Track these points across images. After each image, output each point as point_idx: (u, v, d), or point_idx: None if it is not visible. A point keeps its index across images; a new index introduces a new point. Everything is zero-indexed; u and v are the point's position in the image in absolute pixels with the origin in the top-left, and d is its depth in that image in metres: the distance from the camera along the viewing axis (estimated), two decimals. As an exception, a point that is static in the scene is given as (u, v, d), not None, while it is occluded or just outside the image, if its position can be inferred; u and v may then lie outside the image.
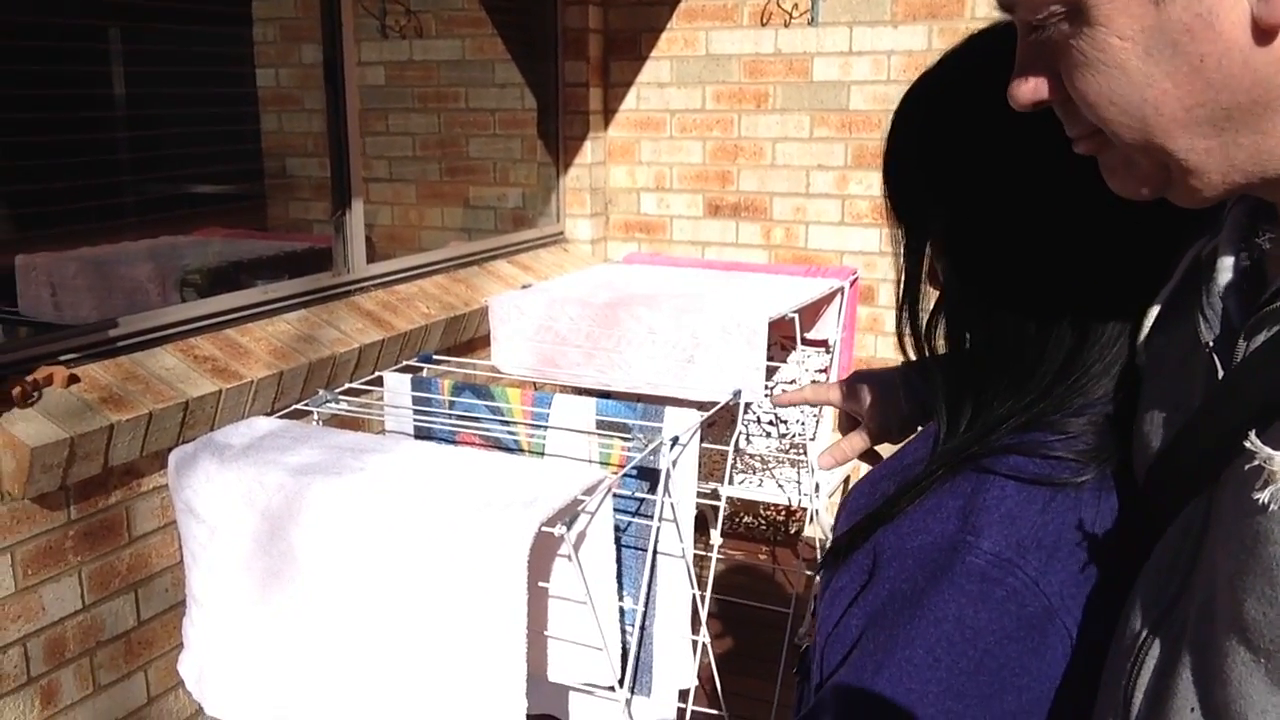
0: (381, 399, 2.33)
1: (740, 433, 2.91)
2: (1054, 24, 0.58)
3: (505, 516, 1.55)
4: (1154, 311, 0.75)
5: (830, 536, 0.92)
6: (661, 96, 3.80)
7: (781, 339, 2.86)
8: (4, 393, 1.95)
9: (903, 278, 0.84)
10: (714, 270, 3.07)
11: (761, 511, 3.77)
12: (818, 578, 0.87)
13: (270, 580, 1.73)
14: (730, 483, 2.94)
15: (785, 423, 2.79)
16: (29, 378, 2.02)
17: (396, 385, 2.29)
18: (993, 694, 0.68)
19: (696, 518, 3.08)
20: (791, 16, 3.56)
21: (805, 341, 2.71)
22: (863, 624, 0.74)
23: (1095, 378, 0.76)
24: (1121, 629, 0.69)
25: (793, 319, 2.45)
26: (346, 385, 2.41)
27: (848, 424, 1.10)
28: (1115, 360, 0.76)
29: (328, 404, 2.22)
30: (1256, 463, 0.57)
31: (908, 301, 0.84)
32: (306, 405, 2.21)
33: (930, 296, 0.84)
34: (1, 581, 1.92)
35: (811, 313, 2.75)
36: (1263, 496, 0.57)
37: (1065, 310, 0.76)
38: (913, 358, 0.85)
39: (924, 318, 0.85)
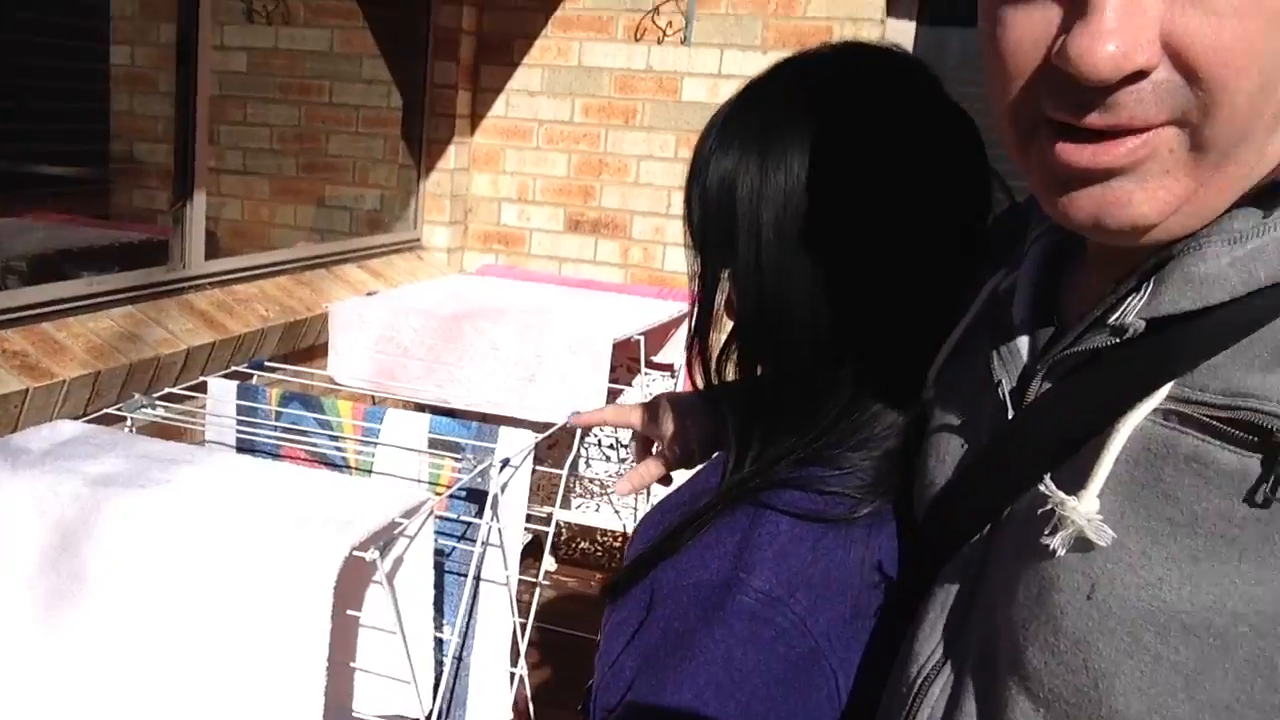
0: (204, 406, 2.22)
1: (581, 456, 2.89)
2: None
3: (313, 539, 1.49)
4: (948, 346, 0.75)
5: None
6: (531, 105, 3.76)
7: (629, 361, 2.85)
8: None
9: (697, 305, 0.83)
10: (567, 287, 3.05)
11: (598, 537, 3.76)
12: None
13: (56, 602, 1.62)
14: (567, 507, 2.91)
15: (625, 447, 2.78)
16: None
17: (220, 392, 2.19)
18: None
19: (531, 542, 3.05)
20: (665, 33, 3.56)
21: (651, 365, 2.71)
22: (637, 664, 0.73)
23: (881, 413, 0.76)
24: (897, 671, 0.68)
25: (638, 341, 2.44)
26: (167, 390, 2.30)
27: (643, 449, 1.08)
28: (904, 395, 0.76)
29: (143, 409, 2.10)
30: (1049, 506, 0.57)
31: (699, 330, 0.84)
32: (119, 410, 2.09)
33: (726, 326, 0.84)
34: None
35: (659, 335, 2.75)
36: (1053, 542, 0.56)
37: (853, 346, 0.76)
38: (701, 385, 0.85)
39: (716, 350, 0.84)
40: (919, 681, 0.65)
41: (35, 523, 1.64)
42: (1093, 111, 0.52)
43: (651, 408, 1.06)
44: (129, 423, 2.08)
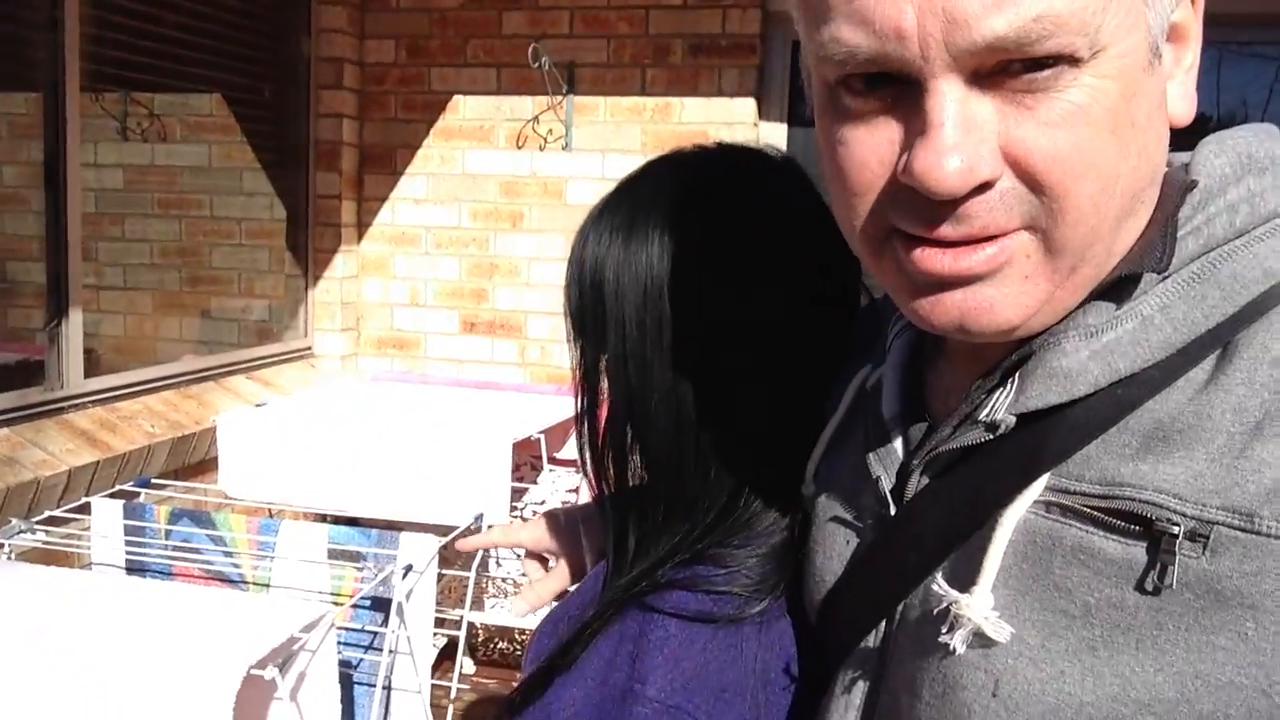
0: (89, 529, 2.13)
1: (490, 555, 2.84)
2: (1057, 65, 0.50)
3: (209, 659, 1.43)
4: (823, 441, 0.75)
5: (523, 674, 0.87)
6: (417, 212, 3.78)
7: (532, 459, 2.84)
8: None
9: (581, 395, 0.83)
10: (465, 389, 3.03)
11: (517, 636, 3.68)
12: None
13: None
14: (480, 608, 2.85)
15: (534, 544, 2.75)
16: None
17: (105, 513, 2.10)
18: None
19: (446, 646, 2.97)
20: (546, 141, 3.64)
21: (554, 461, 2.70)
22: None
23: (762, 511, 0.75)
24: None
25: (539, 439, 2.44)
26: (47, 513, 2.19)
27: (539, 564, 1.05)
28: (782, 491, 0.75)
29: (21, 534, 2.00)
30: (944, 605, 0.57)
31: (582, 421, 0.83)
32: (-5, 538, 1.99)
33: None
34: None
35: (562, 432, 2.75)
36: (952, 640, 0.56)
37: (722, 441, 0.76)
38: (589, 477, 0.84)
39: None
40: None
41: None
42: (944, 224, 0.53)
43: (540, 524, 1.03)
44: (6, 549, 1.98)
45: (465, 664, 3.39)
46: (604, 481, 0.82)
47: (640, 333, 0.76)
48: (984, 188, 0.52)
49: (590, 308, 0.78)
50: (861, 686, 0.66)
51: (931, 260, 0.55)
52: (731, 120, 3.49)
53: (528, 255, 3.69)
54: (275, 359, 3.49)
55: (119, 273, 3.54)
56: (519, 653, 3.72)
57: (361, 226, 3.79)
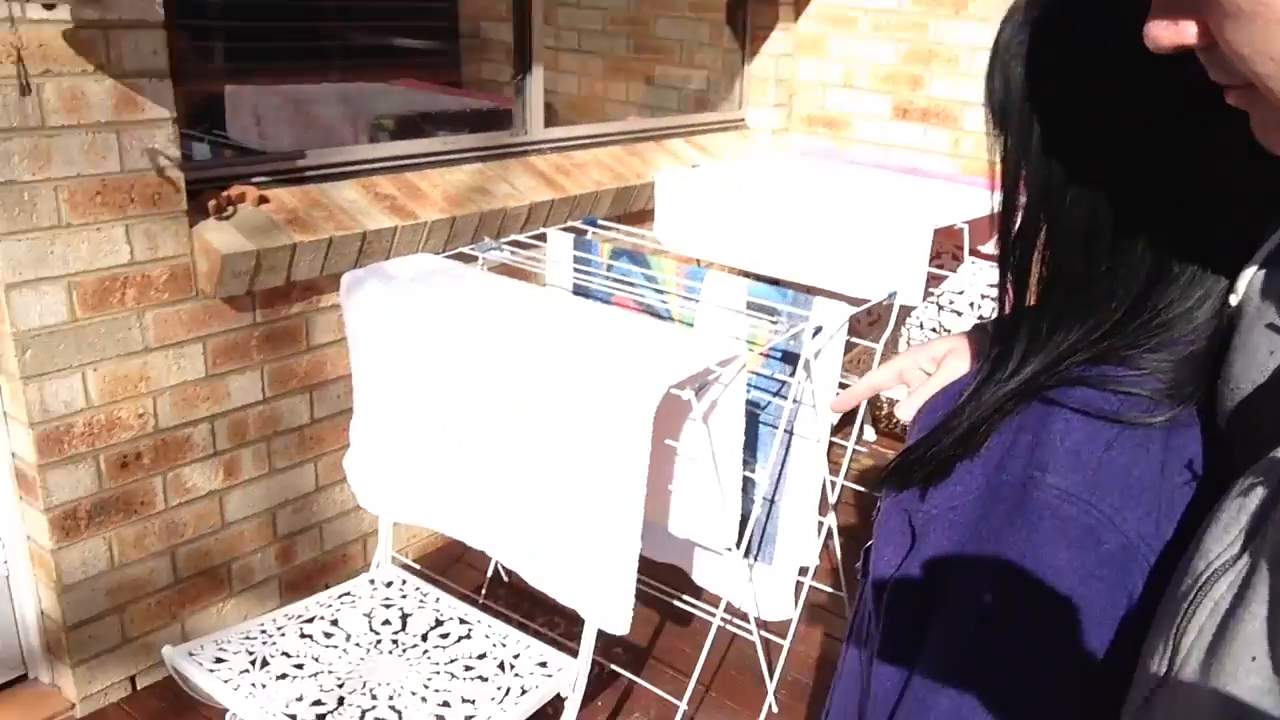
0: (544, 254, 2.40)
1: (900, 335, 2.87)
2: None
3: (639, 374, 1.60)
4: (1263, 251, 0.70)
5: (906, 444, 0.90)
6: (860, -9, 3.67)
7: (954, 248, 2.79)
8: (202, 204, 2.11)
9: (1000, 192, 0.80)
10: (891, 171, 3.00)
11: (903, 416, 3.73)
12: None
13: (420, 398, 1.84)
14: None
15: (949, 331, 2.74)
16: (224, 194, 2.17)
17: (559, 243, 2.36)
18: (1083, 635, 0.67)
19: (851, 412, 3.07)
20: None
21: (976, 254, 2.64)
22: (931, 565, 0.73)
23: (1177, 315, 0.70)
24: (1182, 569, 0.66)
25: (962, 229, 2.39)
26: (513, 237, 2.50)
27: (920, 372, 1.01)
28: (1203, 299, 0.70)
29: (492, 251, 2.30)
30: None
31: (1000, 218, 0.80)
32: (472, 250, 2.30)
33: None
34: (194, 366, 2.12)
35: (988, 225, 2.66)
36: None
37: (1146, 241, 0.71)
38: (1009, 283, 0.81)
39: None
40: (1205, 576, 0.63)
41: (404, 334, 1.85)
42: None
43: (919, 350, 0.98)
44: (480, 261, 2.29)
45: (867, 431, 3.50)
46: (1010, 277, 0.80)
47: (1060, 122, 0.72)
48: None
49: (1012, 96, 0.75)
50: (1260, 493, 0.63)
51: None
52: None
53: (969, 44, 3.49)
54: (711, 127, 3.62)
55: (574, 36, 3.80)
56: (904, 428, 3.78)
57: (799, 5, 3.76)
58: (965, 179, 2.95)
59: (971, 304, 2.82)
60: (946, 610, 0.72)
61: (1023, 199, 0.79)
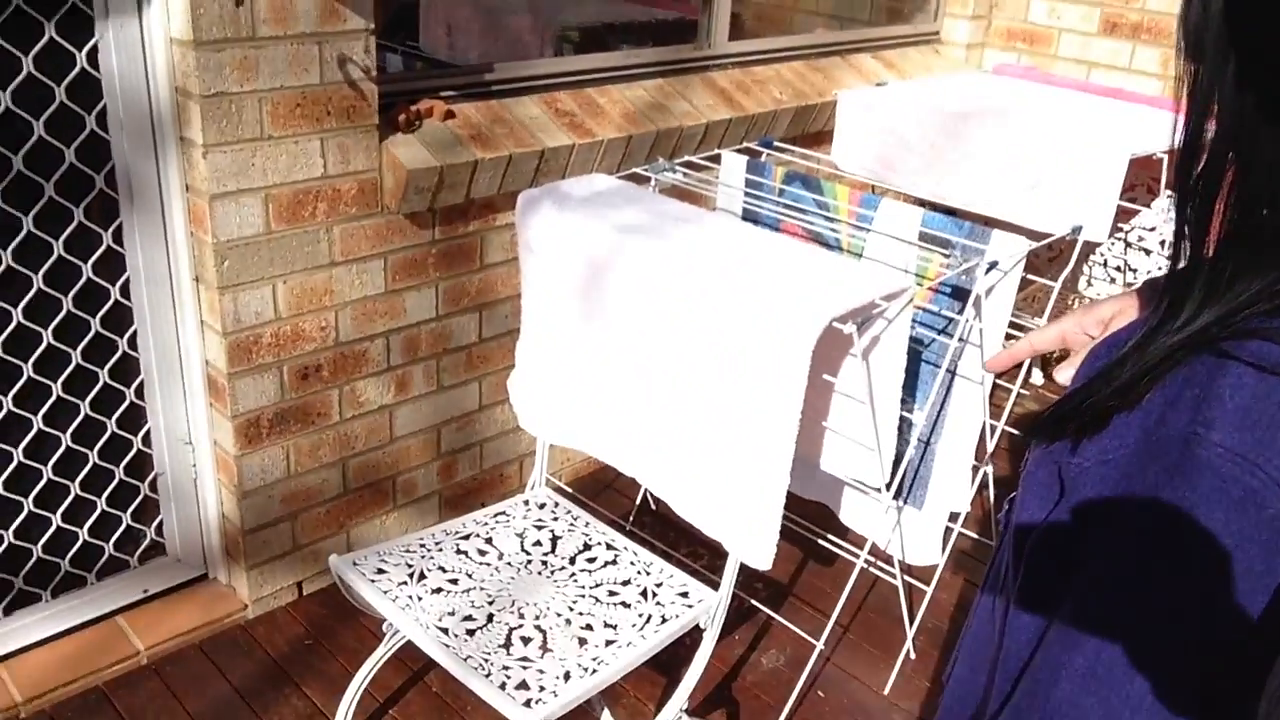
0: (717, 176, 2.40)
1: (1081, 274, 2.75)
2: None
3: (800, 304, 1.60)
4: None
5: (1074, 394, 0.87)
6: (1079, -109, 3.41)
7: (1150, 180, 2.62)
8: (392, 118, 2.20)
9: (1184, 124, 0.75)
10: (1091, 94, 2.83)
11: (1090, 360, 3.57)
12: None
13: (584, 321, 1.90)
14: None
15: (1134, 271, 2.60)
16: (413, 107, 2.26)
17: (732, 165, 2.35)
18: (1235, 600, 0.66)
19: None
20: None
21: (1173, 188, 2.48)
22: (1082, 517, 0.72)
23: None
24: None
25: (1161, 159, 2.24)
26: (686, 158, 2.50)
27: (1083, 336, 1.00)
28: None
29: (665, 173, 2.32)
30: None
31: (1182, 154, 0.75)
32: (646, 170, 2.32)
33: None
34: (375, 281, 2.24)
35: (1191, 156, 2.49)
36: None
37: None
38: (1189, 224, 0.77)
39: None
40: None
41: (573, 255, 1.91)
42: None
43: (1081, 313, 0.95)
44: (653, 183, 2.31)
45: (1035, 375, 3.39)
46: (1189, 221, 0.76)
47: (1262, 53, 0.67)
48: None
49: (1211, 20, 0.70)
50: None
51: None
52: None
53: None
54: (902, 40, 3.49)
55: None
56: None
57: (1012, -95, 3.53)
58: (1171, 103, 2.75)
59: (1163, 242, 2.65)
60: (1090, 565, 0.71)
61: (1210, 136, 0.75)
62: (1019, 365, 2.22)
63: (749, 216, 2.32)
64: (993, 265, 1.90)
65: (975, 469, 2.07)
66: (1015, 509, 0.81)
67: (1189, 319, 0.72)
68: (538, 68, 2.55)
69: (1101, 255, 2.72)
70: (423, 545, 1.90)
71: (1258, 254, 0.70)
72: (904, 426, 1.96)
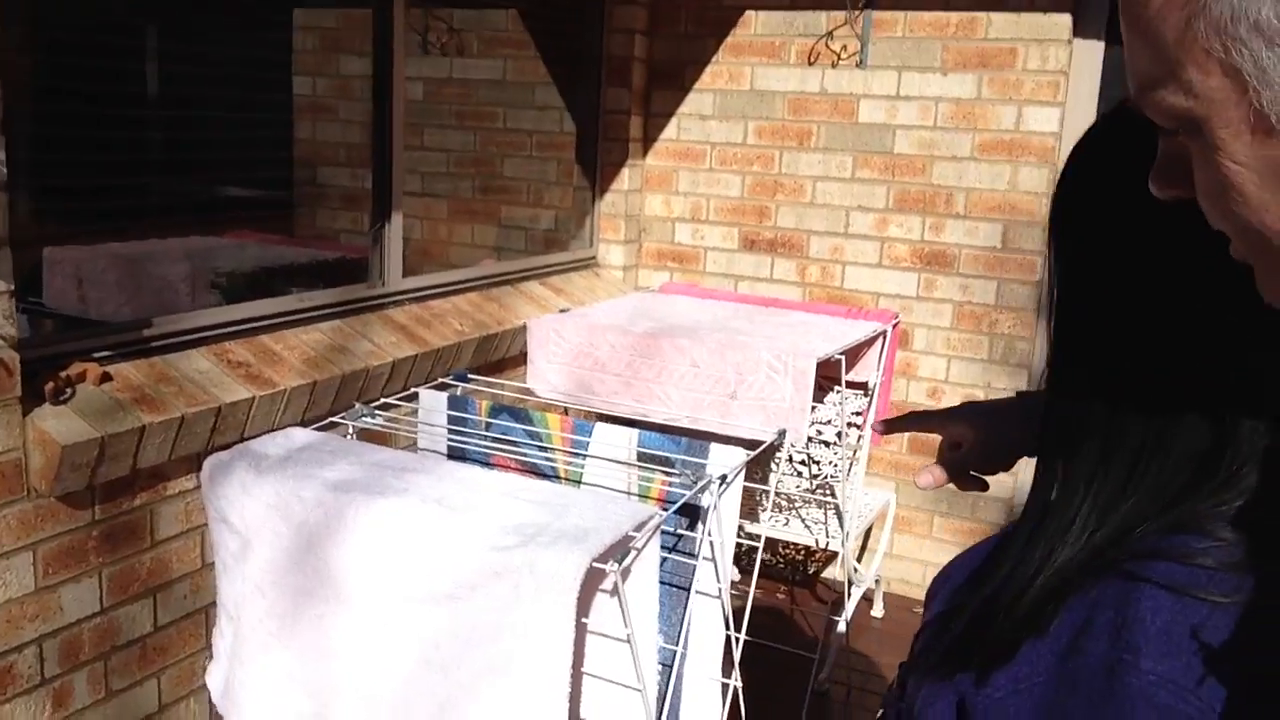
0: (415, 415, 2.28)
1: (771, 472, 2.86)
2: (1179, 134, 0.55)
3: (558, 550, 1.50)
4: None
5: (927, 618, 0.85)
6: (703, 128, 3.77)
7: (821, 379, 2.81)
8: (36, 387, 1.90)
9: (1053, 298, 0.77)
10: (752, 305, 3.03)
11: (780, 550, 3.72)
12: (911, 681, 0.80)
13: (303, 598, 1.68)
14: (755, 521, 2.88)
15: (817, 463, 2.74)
16: (62, 373, 1.98)
17: (432, 403, 2.24)
18: None
19: (741, 558, 3.03)
20: (840, 58, 3.54)
21: (848, 384, 2.67)
22: None
23: (1242, 474, 0.66)
24: None
25: (839, 360, 2.41)
26: (382, 400, 2.37)
27: (948, 452, 1.06)
28: (1256, 453, 0.66)
29: (363, 419, 2.17)
30: None
31: (1057, 328, 0.77)
32: (342, 419, 2.16)
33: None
34: (21, 580, 1.87)
35: (852, 355, 2.71)
36: None
37: (1204, 399, 0.67)
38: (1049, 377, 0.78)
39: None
40: None
41: (281, 524, 1.70)
42: None
43: (957, 411, 1.04)
44: (350, 430, 2.15)
45: (733, 572, 3.44)
46: (1058, 397, 0.77)
47: (1118, 240, 0.71)
48: None
49: (1077, 239, 0.74)
50: None
51: None
52: (1043, 37, 3.27)
53: (813, 174, 3.62)
54: (564, 267, 3.61)
55: (418, 180, 3.75)
56: (780, 565, 3.75)
57: (648, 141, 3.83)
58: (822, 308, 3.00)
59: (839, 434, 2.84)
60: None
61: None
62: (756, 556, 2.22)
63: (455, 454, 2.21)
64: (723, 479, 1.91)
65: (725, 686, 2.01)
66: None
67: (1076, 538, 0.71)
68: (202, 318, 2.34)
69: (786, 450, 2.85)
70: None
71: (1135, 471, 0.70)
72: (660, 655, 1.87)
